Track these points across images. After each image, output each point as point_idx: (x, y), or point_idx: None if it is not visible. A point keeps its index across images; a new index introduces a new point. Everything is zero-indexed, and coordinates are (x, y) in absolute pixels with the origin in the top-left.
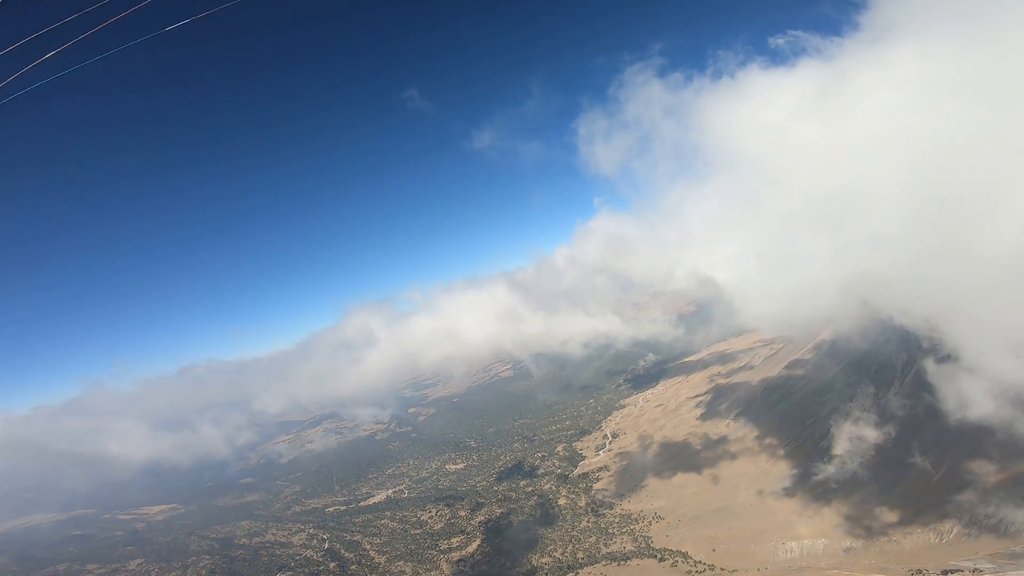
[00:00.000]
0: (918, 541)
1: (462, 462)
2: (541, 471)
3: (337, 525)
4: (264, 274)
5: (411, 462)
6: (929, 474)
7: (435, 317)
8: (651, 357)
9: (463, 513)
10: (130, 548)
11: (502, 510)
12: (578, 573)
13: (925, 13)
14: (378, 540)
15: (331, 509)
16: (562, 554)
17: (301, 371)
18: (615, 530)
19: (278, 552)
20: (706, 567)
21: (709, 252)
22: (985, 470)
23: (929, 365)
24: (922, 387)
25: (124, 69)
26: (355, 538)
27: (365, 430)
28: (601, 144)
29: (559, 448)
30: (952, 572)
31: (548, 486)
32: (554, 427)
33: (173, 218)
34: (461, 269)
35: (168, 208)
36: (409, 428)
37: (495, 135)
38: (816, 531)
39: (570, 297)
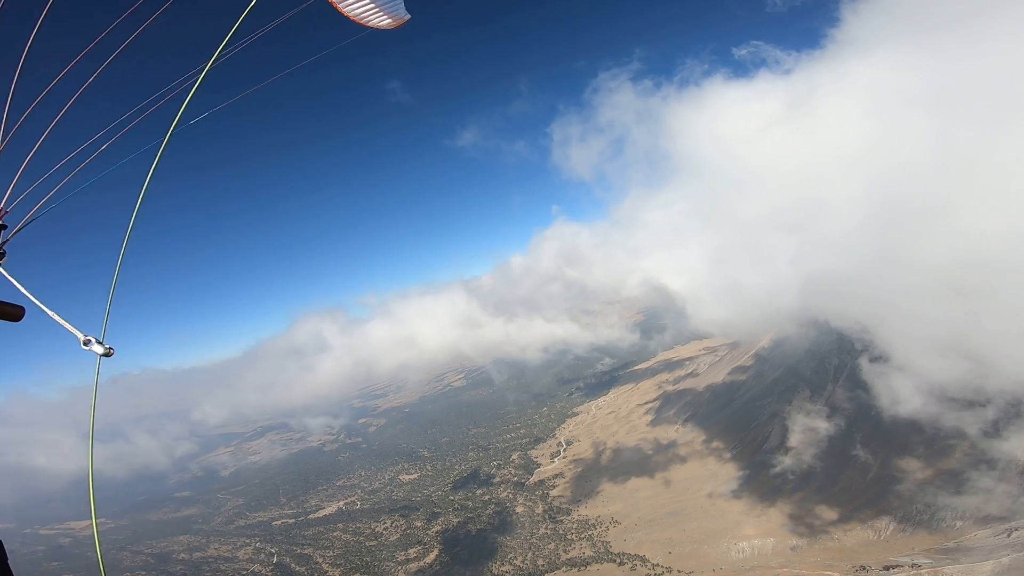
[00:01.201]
0: (858, 538)
1: (416, 472)
2: (497, 479)
3: (286, 539)
4: (206, 278)
5: (362, 473)
6: (864, 472)
7: (392, 323)
8: (608, 361)
9: (419, 523)
10: (55, 564)
11: (459, 519)
12: None
13: (882, 32)
14: (331, 553)
15: (278, 522)
16: (522, 562)
17: (246, 379)
18: (573, 536)
19: (222, 567)
20: (664, 570)
21: (665, 260)
22: (913, 467)
23: (864, 364)
24: (857, 385)
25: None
26: (306, 551)
27: (313, 441)
28: (563, 153)
29: (514, 456)
30: (892, 568)
31: (505, 494)
32: (509, 435)
33: (104, 214)
34: (419, 275)
35: (98, 203)
36: (359, 439)
37: (462, 138)
38: (764, 531)
39: (529, 304)
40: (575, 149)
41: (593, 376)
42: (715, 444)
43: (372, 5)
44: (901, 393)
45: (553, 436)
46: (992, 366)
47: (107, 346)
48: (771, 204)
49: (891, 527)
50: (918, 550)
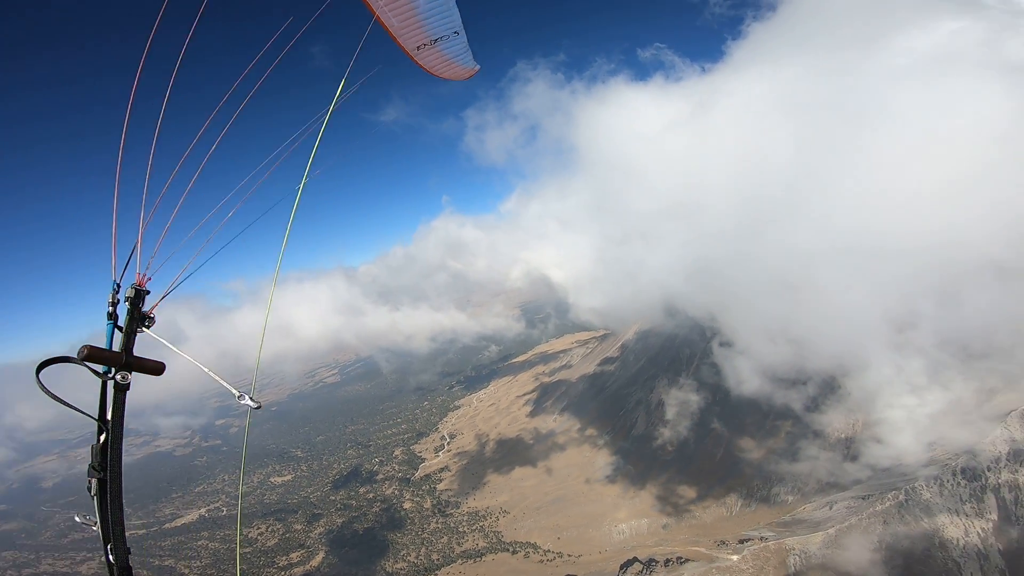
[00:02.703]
0: (714, 515)
1: (289, 473)
2: (381, 476)
3: (139, 550)
4: (19, 255)
5: (225, 477)
6: (714, 453)
7: (265, 311)
8: (494, 349)
9: (299, 526)
10: None
11: (343, 519)
12: (436, 574)
13: (768, 49)
14: (198, 563)
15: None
16: (416, 557)
17: (75, 376)
18: (465, 528)
19: None
20: (555, 555)
21: (550, 252)
22: (750, 446)
23: (715, 349)
24: (711, 369)
25: None
26: (167, 563)
27: (162, 445)
28: (466, 142)
29: (397, 452)
30: (745, 541)
31: (390, 491)
32: (390, 431)
33: None
34: (296, 261)
35: None
36: (219, 441)
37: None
38: (638, 512)
39: (414, 293)
40: (480, 138)
41: (474, 369)
42: (589, 432)
43: (447, 59)
44: (743, 374)
45: (436, 430)
46: (811, 348)
47: (259, 402)
48: (655, 202)
49: (739, 503)
50: (763, 524)
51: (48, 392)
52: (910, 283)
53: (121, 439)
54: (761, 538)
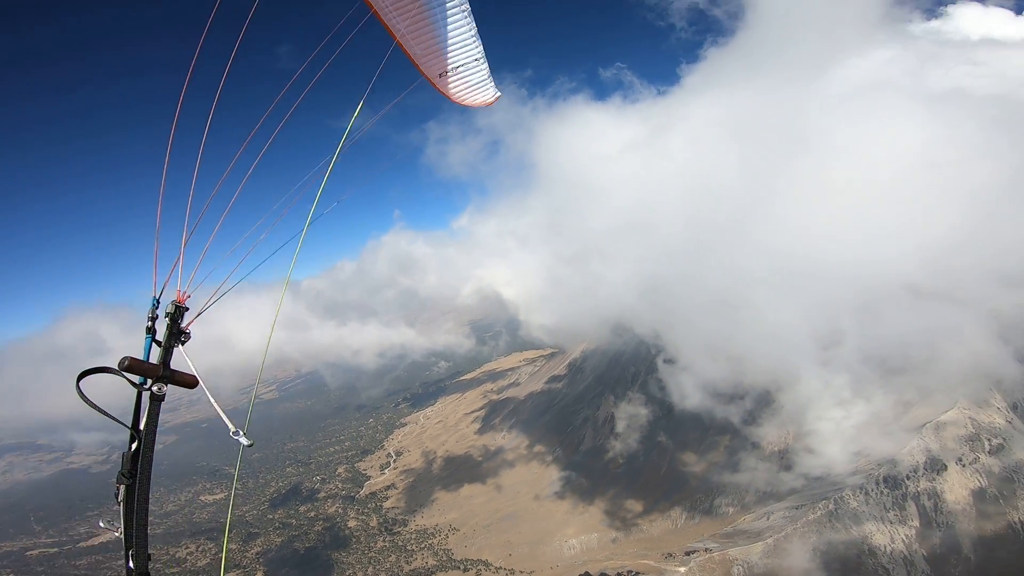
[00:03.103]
0: (660, 528)
1: (222, 491)
2: (323, 494)
3: (49, 570)
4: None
5: (150, 495)
6: (658, 467)
7: (199, 323)
8: (444, 365)
9: (234, 546)
10: None
11: (282, 538)
12: None
13: (722, 74)
14: None
15: (35, 552)
16: None
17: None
18: (414, 547)
19: None
20: (507, 572)
21: (502, 269)
22: (693, 460)
23: (660, 365)
24: (657, 384)
25: None
26: None
27: (76, 462)
28: (422, 155)
29: (340, 470)
30: (691, 553)
31: (333, 509)
32: (332, 449)
33: None
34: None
35: None
36: None
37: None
38: (588, 527)
39: (362, 308)
40: (440, 151)
41: (421, 386)
42: (538, 448)
43: (469, 87)
44: (686, 390)
45: (381, 447)
46: (748, 365)
47: (251, 440)
48: (608, 222)
49: (683, 516)
50: (707, 535)
51: (86, 399)
52: (836, 303)
53: (152, 448)
54: (706, 550)
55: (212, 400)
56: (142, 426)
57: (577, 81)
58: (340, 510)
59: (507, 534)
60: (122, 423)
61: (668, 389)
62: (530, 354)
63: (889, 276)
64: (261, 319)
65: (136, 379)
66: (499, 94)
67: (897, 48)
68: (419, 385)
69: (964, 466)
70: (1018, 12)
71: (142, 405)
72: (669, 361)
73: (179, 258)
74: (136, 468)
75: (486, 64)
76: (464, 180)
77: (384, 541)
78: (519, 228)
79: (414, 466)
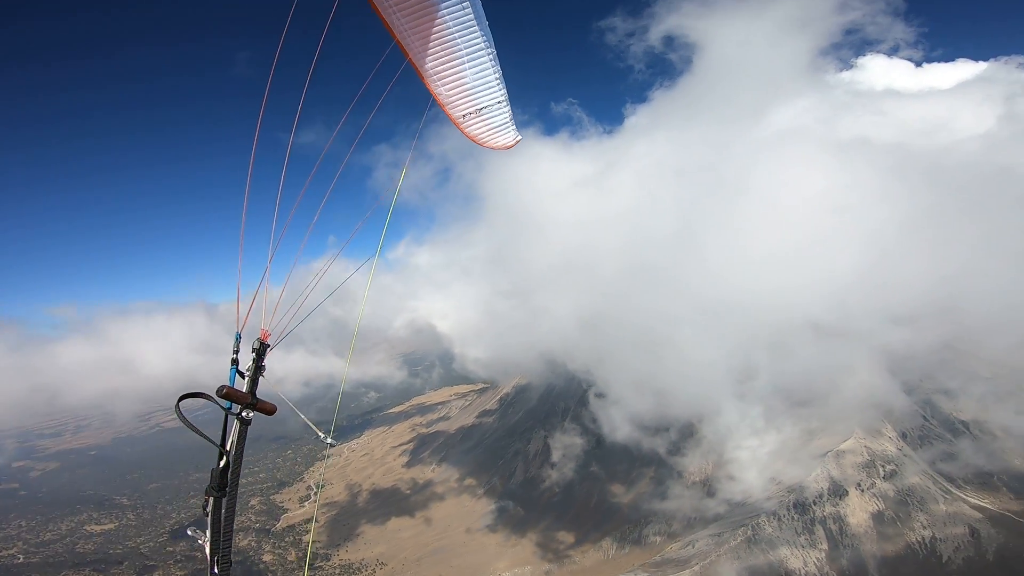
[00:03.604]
0: (592, 559)
1: (112, 522)
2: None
3: None
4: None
5: (22, 523)
6: (589, 498)
7: (99, 343)
8: (374, 395)
9: None
10: None
11: (184, 572)
12: None
13: (665, 116)
14: None
15: None
16: None
17: None
18: None
19: None
20: None
21: (438, 301)
22: (621, 491)
23: (591, 399)
24: (590, 416)
25: None
26: None
27: None
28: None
29: (254, 501)
30: None
31: (246, 542)
32: (245, 480)
33: None
34: (147, 290)
35: None
36: (16, 485)
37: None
38: (520, 559)
39: (288, 335)
40: (388, 177)
41: (347, 418)
42: (469, 482)
43: (491, 129)
44: (616, 422)
45: (301, 480)
46: (672, 398)
47: (334, 440)
48: (549, 258)
49: (613, 547)
50: (637, 565)
51: (185, 420)
52: (751, 340)
53: (240, 465)
54: None
55: (298, 412)
56: (228, 446)
57: (529, 114)
58: (253, 543)
59: (438, 568)
60: (212, 442)
61: (599, 422)
62: (461, 388)
63: (796, 315)
64: (171, 342)
65: (224, 404)
66: (519, 137)
67: (815, 97)
68: (344, 417)
69: (863, 491)
70: (918, 64)
71: (229, 428)
72: (600, 395)
73: (263, 300)
74: (224, 482)
75: (509, 107)
76: (409, 208)
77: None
78: (460, 260)
79: (337, 499)
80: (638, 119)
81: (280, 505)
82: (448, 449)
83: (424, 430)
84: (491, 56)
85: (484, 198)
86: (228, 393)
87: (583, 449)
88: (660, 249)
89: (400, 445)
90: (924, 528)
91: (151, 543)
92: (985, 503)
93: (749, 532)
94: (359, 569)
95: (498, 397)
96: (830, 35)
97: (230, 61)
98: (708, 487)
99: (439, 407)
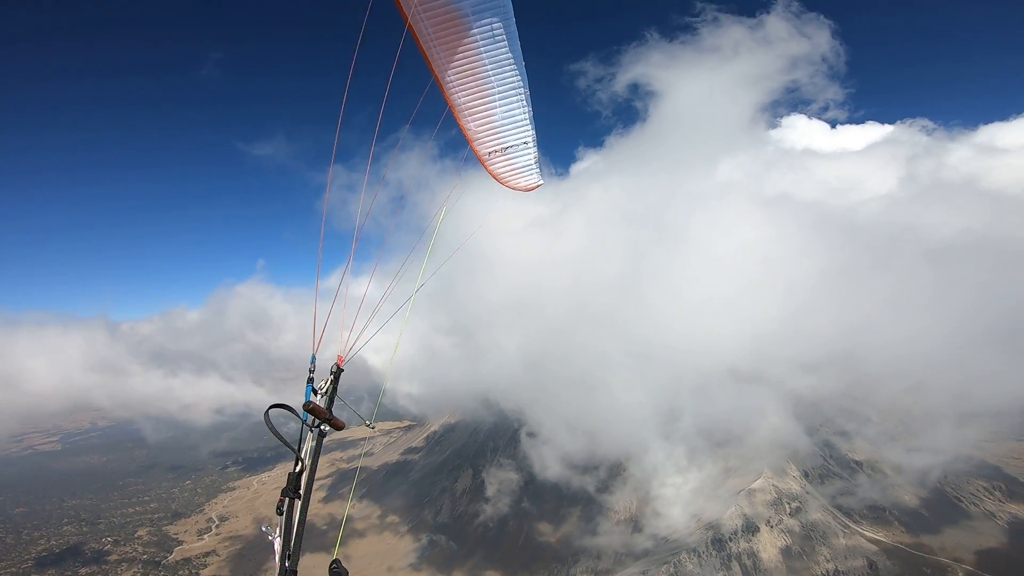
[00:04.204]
0: None
1: None
2: (114, 557)
3: None
4: None
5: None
6: (516, 537)
7: None
8: (294, 426)
9: None
10: None
11: None
12: None
13: (615, 164)
14: None
15: None
16: None
17: None
18: None
19: None
20: None
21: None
22: (549, 530)
23: (523, 438)
24: (521, 457)
25: None
26: None
27: None
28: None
29: (141, 532)
30: None
31: (130, 574)
32: (131, 509)
33: None
34: (38, 300)
35: None
36: None
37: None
38: None
39: (201, 360)
40: (342, 199)
41: (257, 450)
42: (391, 519)
43: (515, 169)
44: (547, 461)
45: (201, 511)
46: (602, 437)
47: (374, 425)
48: (494, 298)
49: None
50: None
51: (272, 428)
52: (677, 383)
53: (315, 473)
54: None
55: (351, 406)
56: (303, 454)
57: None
58: (139, 575)
59: None
60: (292, 449)
61: (530, 460)
62: (386, 425)
63: (718, 360)
64: (64, 358)
65: (303, 416)
66: (541, 182)
67: (750, 152)
68: (256, 448)
69: (772, 527)
70: (833, 126)
71: (304, 438)
72: (531, 434)
73: (341, 328)
74: (299, 485)
75: (535, 149)
76: (348, 235)
77: None
78: (397, 294)
79: (242, 532)
80: (591, 163)
81: (174, 537)
82: (370, 485)
83: (344, 465)
84: (523, 96)
85: (431, 232)
86: (313, 409)
87: (518, 485)
88: (604, 292)
89: (317, 480)
90: (828, 561)
91: (13, 569)
92: (880, 536)
93: (672, 569)
94: None
95: (425, 435)
96: (773, 92)
97: (197, 59)
98: (636, 523)
99: (362, 442)
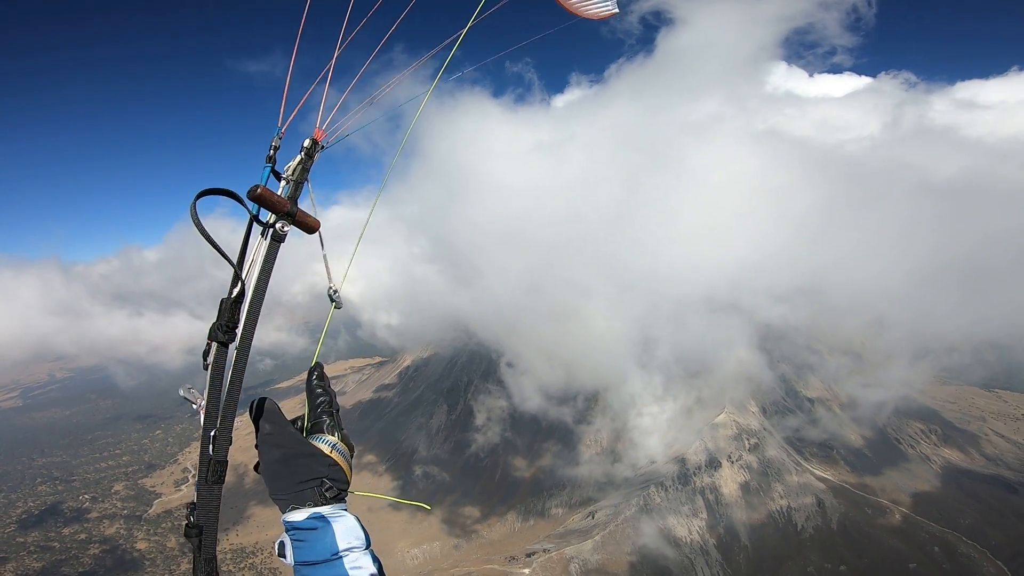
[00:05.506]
0: (499, 532)
1: None
2: (95, 514)
3: None
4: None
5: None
6: (492, 473)
7: None
8: (269, 362)
9: None
10: None
11: (43, 563)
12: None
13: (615, 91)
14: None
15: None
16: None
17: None
18: (231, 567)
19: None
20: None
21: (345, 265)
22: (522, 465)
23: (502, 368)
24: (499, 387)
25: None
26: None
27: None
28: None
29: (118, 487)
30: (532, 554)
31: (113, 530)
32: (104, 464)
33: None
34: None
35: None
36: None
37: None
38: (428, 536)
39: (165, 299)
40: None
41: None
42: (368, 458)
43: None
44: (526, 392)
45: (175, 462)
46: (579, 367)
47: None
48: (484, 227)
49: (518, 520)
50: (543, 537)
51: (199, 225)
52: (654, 312)
53: (262, 299)
54: (544, 550)
55: (322, 250)
56: (245, 266)
57: (483, 70)
58: (123, 530)
59: None
60: (228, 258)
61: (510, 392)
62: (356, 363)
63: (694, 289)
64: (20, 303)
65: (251, 208)
66: (616, 10)
67: (744, 89)
68: None
69: (732, 463)
70: (811, 75)
71: (251, 243)
72: (511, 364)
73: (325, 91)
74: (235, 321)
75: None
76: (337, 158)
77: (190, 562)
78: (374, 222)
79: None
80: (593, 91)
81: (151, 490)
82: (345, 425)
83: None
84: None
85: (421, 154)
86: (262, 194)
87: (507, 412)
88: (597, 222)
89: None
90: (781, 498)
91: None
92: (827, 475)
93: (642, 502)
94: (253, 553)
95: (397, 371)
96: (782, 33)
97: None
98: (614, 454)
99: (333, 381)
